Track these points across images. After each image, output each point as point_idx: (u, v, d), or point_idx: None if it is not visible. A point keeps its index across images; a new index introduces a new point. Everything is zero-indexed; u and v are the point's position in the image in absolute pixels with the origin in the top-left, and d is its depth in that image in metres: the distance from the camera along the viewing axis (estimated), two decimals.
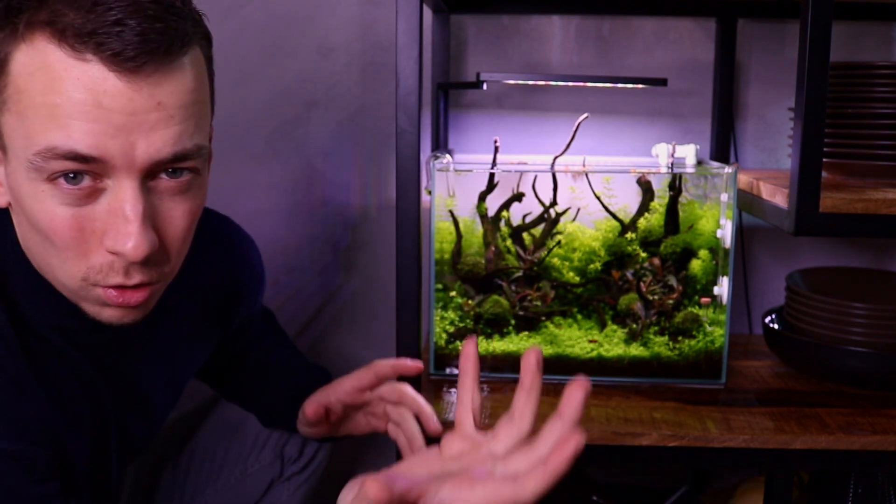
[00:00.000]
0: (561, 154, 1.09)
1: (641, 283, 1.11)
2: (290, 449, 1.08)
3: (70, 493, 0.74)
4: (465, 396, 0.69)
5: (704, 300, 1.11)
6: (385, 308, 1.42)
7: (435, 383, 1.11)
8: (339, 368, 1.05)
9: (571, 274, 1.13)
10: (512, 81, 1.21)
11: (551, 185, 1.10)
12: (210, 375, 1.07)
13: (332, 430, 0.99)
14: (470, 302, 1.12)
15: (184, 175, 0.67)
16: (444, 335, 1.12)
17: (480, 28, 1.37)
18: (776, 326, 1.17)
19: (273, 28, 1.37)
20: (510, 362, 1.11)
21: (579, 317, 1.13)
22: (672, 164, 1.09)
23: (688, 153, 1.10)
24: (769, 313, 1.22)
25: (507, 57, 1.37)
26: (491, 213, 1.12)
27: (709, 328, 1.10)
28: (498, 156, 1.10)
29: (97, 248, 0.66)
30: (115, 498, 0.85)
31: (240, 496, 1.07)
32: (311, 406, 0.94)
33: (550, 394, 1.10)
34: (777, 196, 0.98)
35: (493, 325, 1.12)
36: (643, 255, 1.11)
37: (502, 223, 1.12)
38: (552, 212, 1.11)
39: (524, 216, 1.12)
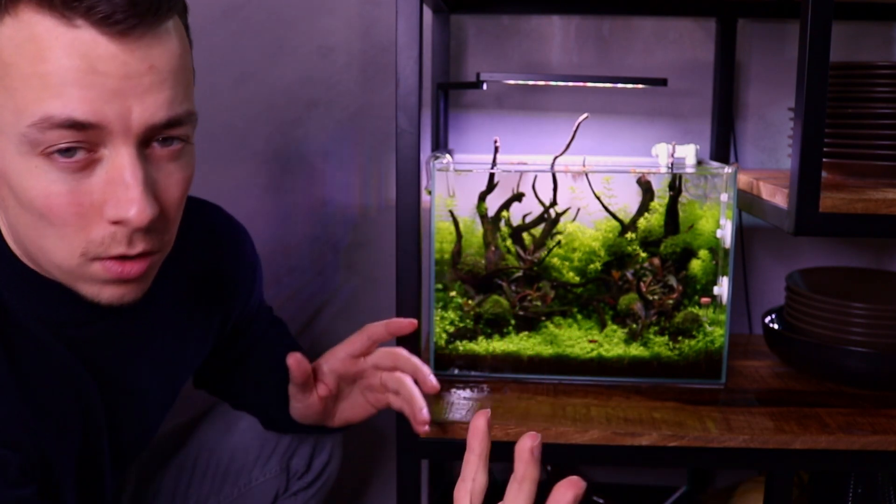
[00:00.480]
0: (561, 154, 1.09)
1: (641, 283, 1.11)
2: (298, 462, 1.06)
3: (49, 498, 0.72)
4: (468, 473, 0.65)
5: (704, 300, 1.11)
6: (385, 308, 1.41)
7: None
8: None
9: (571, 274, 1.13)
10: (512, 81, 1.21)
11: (551, 185, 1.10)
12: (211, 381, 1.05)
13: (328, 412, 0.96)
14: (470, 302, 1.12)
15: (175, 143, 0.68)
16: (444, 335, 1.12)
17: (480, 28, 1.37)
18: (776, 326, 1.17)
19: (273, 28, 1.37)
20: (510, 362, 1.10)
21: (579, 317, 1.13)
22: (672, 164, 1.09)
23: (688, 153, 1.10)
24: (769, 313, 1.22)
25: (507, 57, 1.37)
26: (491, 213, 1.12)
27: (709, 328, 1.10)
28: (498, 156, 1.10)
29: (97, 222, 0.65)
30: None
31: None
32: (293, 357, 0.90)
33: (550, 394, 1.10)
34: (777, 196, 0.98)
35: (493, 325, 1.12)
36: (643, 255, 1.11)
37: (502, 223, 1.12)
38: (552, 212, 1.11)
39: (524, 216, 1.12)
